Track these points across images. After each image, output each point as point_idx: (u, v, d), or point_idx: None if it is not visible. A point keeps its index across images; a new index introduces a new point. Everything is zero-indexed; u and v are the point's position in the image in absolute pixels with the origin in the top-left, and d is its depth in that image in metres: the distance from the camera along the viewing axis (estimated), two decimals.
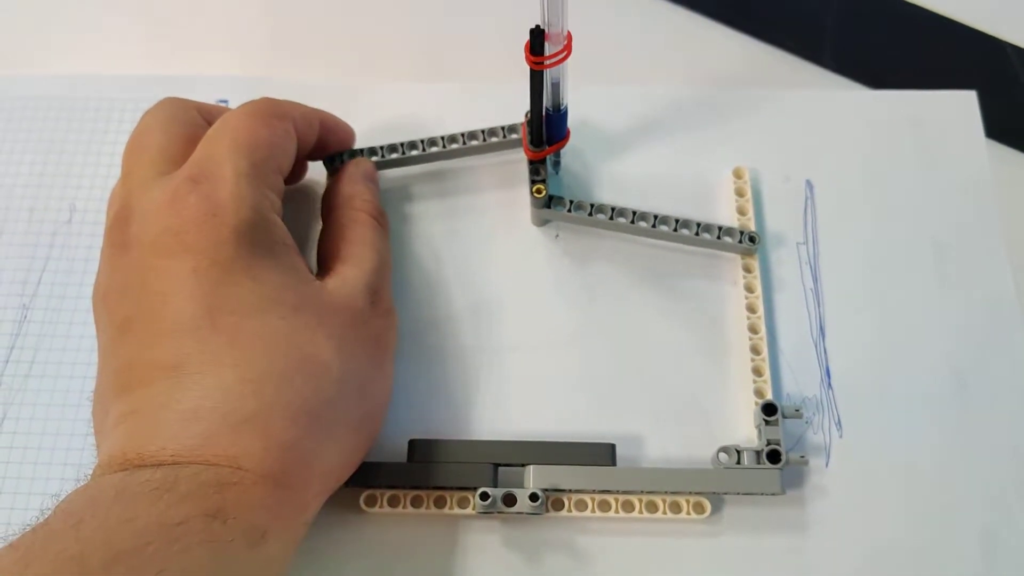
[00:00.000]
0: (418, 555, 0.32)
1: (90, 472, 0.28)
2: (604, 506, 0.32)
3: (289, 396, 0.28)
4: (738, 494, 0.32)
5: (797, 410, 0.33)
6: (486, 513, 0.31)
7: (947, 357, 0.36)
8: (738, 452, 0.32)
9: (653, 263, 0.37)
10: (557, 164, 0.38)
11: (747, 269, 0.37)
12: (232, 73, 0.42)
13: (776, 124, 0.40)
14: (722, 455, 0.33)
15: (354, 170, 0.36)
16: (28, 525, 0.25)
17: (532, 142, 0.35)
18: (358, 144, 0.38)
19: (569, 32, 0.30)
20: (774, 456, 0.32)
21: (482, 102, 0.40)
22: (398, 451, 0.33)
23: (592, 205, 0.36)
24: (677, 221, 0.36)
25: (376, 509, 0.32)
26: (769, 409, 0.33)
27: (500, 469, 0.32)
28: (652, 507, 0.32)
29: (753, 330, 0.35)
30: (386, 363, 0.33)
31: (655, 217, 0.36)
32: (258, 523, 0.26)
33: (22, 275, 0.38)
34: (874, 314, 0.36)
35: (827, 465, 0.34)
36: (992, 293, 0.37)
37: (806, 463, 0.33)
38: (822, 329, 0.36)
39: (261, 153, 0.31)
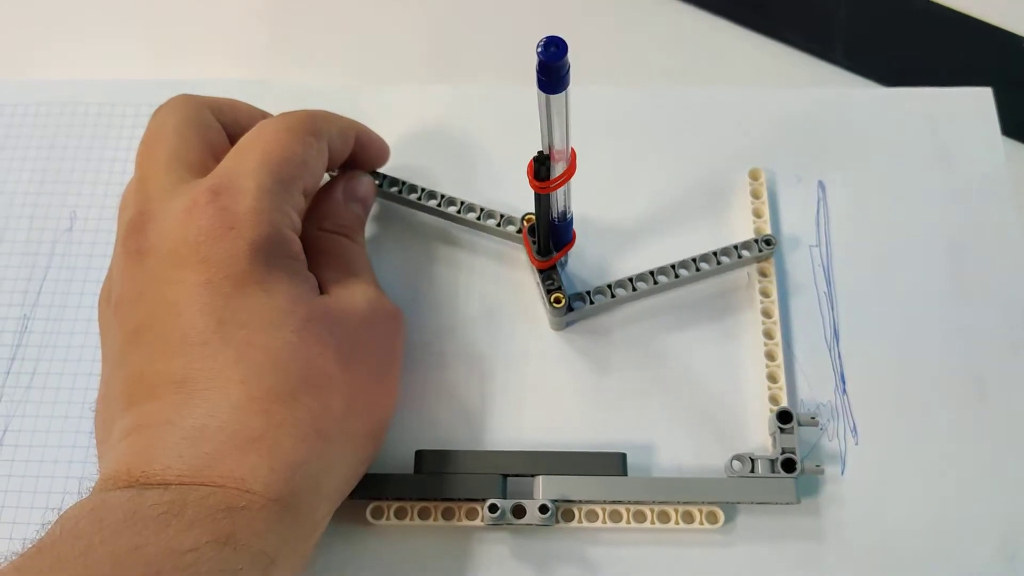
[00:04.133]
0: (426, 568, 0.32)
1: (92, 485, 0.27)
2: (615, 516, 0.32)
3: (298, 414, 0.27)
4: (752, 503, 0.32)
5: (813, 418, 0.32)
6: (495, 525, 0.31)
7: (965, 360, 0.35)
8: (752, 460, 0.32)
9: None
10: (565, 264, 0.37)
11: (763, 273, 0.36)
12: (234, 76, 0.42)
13: (787, 124, 0.40)
14: (736, 464, 0.32)
15: (340, 184, 0.35)
16: (30, 540, 0.24)
17: (539, 252, 0.34)
18: None
19: (573, 149, 0.29)
20: (789, 465, 0.31)
21: (486, 104, 0.40)
22: (405, 462, 0.32)
23: (610, 287, 0.35)
24: (695, 260, 0.35)
25: (383, 521, 0.31)
26: (784, 417, 0.32)
27: (509, 480, 0.32)
28: (664, 517, 0.32)
29: (768, 335, 0.35)
30: (394, 367, 0.32)
31: (673, 268, 0.35)
32: (267, 549, 0.25)
33: (23, 284, 0.37)
34: (889, 317, 0.36)
35: (843, 473, 0.33)
36: (1011, 294, 0.36)
37: (822, 472, 0.32)
38: (836, 333, 0.35)
39: (289, 171, 0.30)
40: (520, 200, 0.35)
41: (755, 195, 0.37)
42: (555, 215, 0.32)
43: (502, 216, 0.36)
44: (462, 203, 0.36)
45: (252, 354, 0.27)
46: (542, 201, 0.31)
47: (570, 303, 0.34)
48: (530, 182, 0.29)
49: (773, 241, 0.35)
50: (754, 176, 0.38)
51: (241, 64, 0.43)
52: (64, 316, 0.36)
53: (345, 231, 0.34)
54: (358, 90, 0.41)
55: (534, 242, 0.34)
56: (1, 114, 0.41)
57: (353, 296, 0.31)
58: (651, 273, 0.35)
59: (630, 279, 0.35)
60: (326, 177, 0.36)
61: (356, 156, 0.35)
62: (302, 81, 0.41)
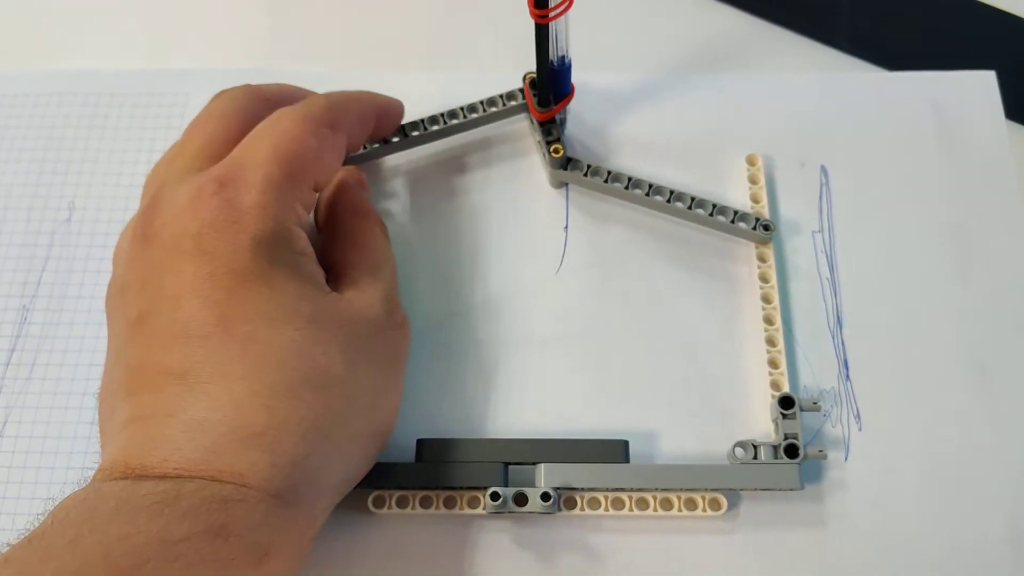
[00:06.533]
0: (428, 557, 0.32)
1: (92, 474, 0.27)
2: (618, 504, 0.32)
3: (300, 411, 0.27)
4: (755, 490, 0.32)
5: (815, 403, 0.32)
6: (497, 513, 0.31)
7: (968, 346, 0.35)
8: (755, 447, 0.32)
9: (668, 252, 0.37)
10: (564, 122, 0.38)
11: (762, 258, 0.36)
12: (235, 66, 0.41)
13: (790, 109, 0.40)
14: (738, 450, 0.32)
15: (349, 178, 0.35)
16: (24, 532, 0.24)
17: (539, 102, 0.35)
18: None
19: None
20: (792, 450, 0.31)
21: (484, 91, 0.39)
22: (406, 451, 0.32)
23: (609, 172, 0.36)
24: (693, 199, 0.36)
25: (385, 510, 0.31)
26: (786, 402, 0.32)
27: (511, 468, 0.32)
28: (667, 504, 0.32)
29: (768, 321, 0.35)
30: (398, 375, 0.32)
31: (671, 192, 0.36)
32: (262, 541, 0.25)
33: (22, 276, 0.37)
34: (892, 303, 0.36)
35: (846, 459, 0.33)
36: (1014, 279, 0.36)
37: (824, 457, 0.32)
38: (839, 319, 0.35)
39: (300, 165, 0.30)
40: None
41: (753, 181, 0.37)
42: (554, 57, 0.33)
43: (501, 96, 0.37)
44: (462, 109, 0.37)
45: (255, 350, 0.27)
46: (542, 36, 0.32)
47: (567, 161, 0.36)
48: (530, 11, 0.30)
49: (772, 227, 0.35)
50: (751, 162, 0.38)
51: (242, 53, 0.43)
52: (64, 307, 0.36)
53: (378, 219, 0.34)
54: (357, 76, 0.40)
55: (534, 94, 0.36)
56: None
57: (365, 300, 0.30)
58: (649, 184, 0.36)
59: (628, 177, 0.36)
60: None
61: (376, 130, 0.35)
62: (303, 69, 0.41)
